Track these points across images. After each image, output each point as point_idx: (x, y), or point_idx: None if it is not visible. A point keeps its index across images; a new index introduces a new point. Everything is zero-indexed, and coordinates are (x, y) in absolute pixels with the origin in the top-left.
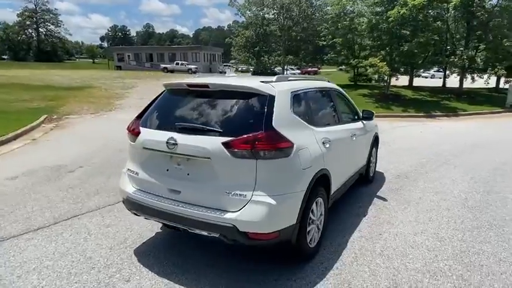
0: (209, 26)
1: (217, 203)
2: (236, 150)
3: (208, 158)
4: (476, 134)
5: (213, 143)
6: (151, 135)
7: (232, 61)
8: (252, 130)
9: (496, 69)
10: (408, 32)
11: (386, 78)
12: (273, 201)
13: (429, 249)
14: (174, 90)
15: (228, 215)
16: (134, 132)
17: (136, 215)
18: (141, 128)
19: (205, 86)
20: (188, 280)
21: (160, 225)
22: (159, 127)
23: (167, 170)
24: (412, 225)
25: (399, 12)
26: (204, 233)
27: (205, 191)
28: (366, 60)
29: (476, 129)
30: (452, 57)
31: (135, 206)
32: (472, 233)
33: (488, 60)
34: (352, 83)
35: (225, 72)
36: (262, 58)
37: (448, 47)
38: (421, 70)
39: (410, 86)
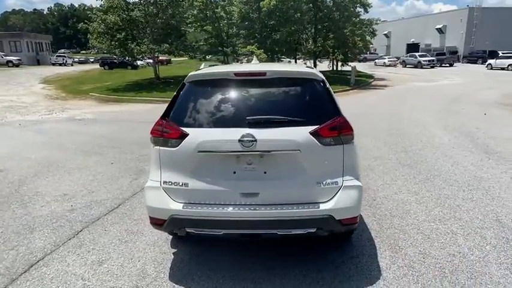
0: (21, 9)
1: (307, 196)
2: (325, 138)
3: (298, 150)
4: (348, 108)
5: (300, 133)
6: (213, 135)
7: (62, 50)
8: (327, 116)
9: (336, 55)
10: (274, 22)
11: None
12: (360, 184)
13: (417, 203)
14: (210, 82)
15: (324, 206)
16: (175, 135)
17: (189, 234)
18: (185, 128)
19: (262, 74)
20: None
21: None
22: (219, 124)
23: (234, 173)
24: (387, 187)
25: (269, 3)
26: (299, 231)
27: (291, 186)
28: (243, 48)
29: (343, 104)
30: (309, 44)
31: (188, 224)
32: (429, 184)
33: (333, 47)
34: None
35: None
36: (128, 46)
37: (303, 36)
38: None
39: None
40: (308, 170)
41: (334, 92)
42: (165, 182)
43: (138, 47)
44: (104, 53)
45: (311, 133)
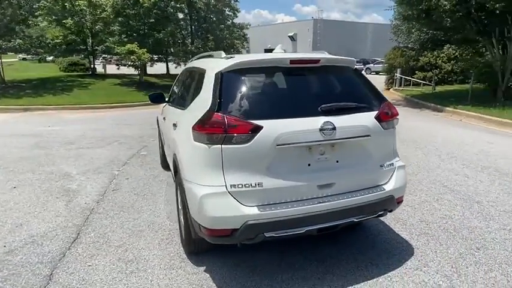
0: None
1: (374, 179)
2: (383, 122)
3: (369, 135)
4: None
5: (368, 119)
6: (292, 126)
7: None
8: (377, 101)
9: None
10: (154, 20)
11: (139, 64)
12: (403, 163)
13: None
14: (262, 70)
15: (387, 187)
16: (244, 130)
17: (267, 240)
18: (257, 121)
19: (316, 61)
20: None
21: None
22: (293, 114)
23: (309, 165)
24: None
25: (150, 0)
26: (371, 216)
27: (361, 172)
28: (121, 46)
29: None
30: (190, 46)
31: (267, 228)
32: None
33: (212, 49)
34: (69, 73)
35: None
36: None
37: (180, 36)
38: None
39: (168, 74)
40: (373, 154)
41: None
42: (233, 186)
43: None
44: None
45: (375, 118)
